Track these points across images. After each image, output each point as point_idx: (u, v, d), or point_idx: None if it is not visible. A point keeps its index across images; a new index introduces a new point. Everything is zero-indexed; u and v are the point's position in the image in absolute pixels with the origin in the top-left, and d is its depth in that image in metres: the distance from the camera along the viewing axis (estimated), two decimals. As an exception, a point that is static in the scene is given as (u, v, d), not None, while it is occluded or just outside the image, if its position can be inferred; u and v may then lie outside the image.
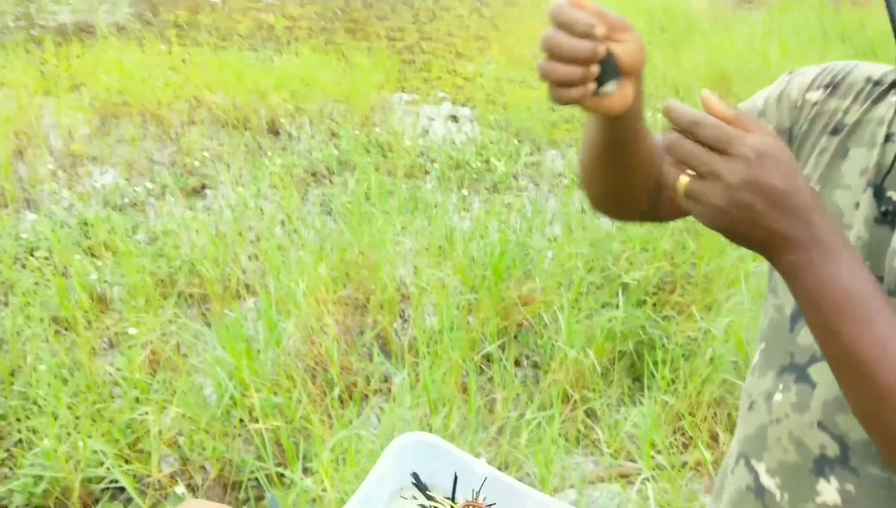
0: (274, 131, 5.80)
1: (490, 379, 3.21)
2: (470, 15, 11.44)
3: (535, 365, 3.36)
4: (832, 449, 0.88)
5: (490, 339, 3.27)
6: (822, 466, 0.90)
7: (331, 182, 5.02)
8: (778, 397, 0.95)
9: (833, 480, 0.89)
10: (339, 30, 9.46)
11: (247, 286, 3.82)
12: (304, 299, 3.43)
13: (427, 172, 5.40)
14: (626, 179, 1.03)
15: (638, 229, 4.14)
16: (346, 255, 3.84)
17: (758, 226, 0.72)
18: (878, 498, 0.86)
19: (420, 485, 1.43)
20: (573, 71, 0.78)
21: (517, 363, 3.38)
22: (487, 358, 3.29)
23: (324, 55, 7.64)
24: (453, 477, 1.40)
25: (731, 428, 3.04)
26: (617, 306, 3.48)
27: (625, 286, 3.71)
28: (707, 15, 10.66)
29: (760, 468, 0.98)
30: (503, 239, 3.76)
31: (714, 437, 3.01)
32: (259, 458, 2.78)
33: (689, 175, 0.74)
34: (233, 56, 7.25)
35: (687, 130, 0.72)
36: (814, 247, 0.72)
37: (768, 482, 0.97)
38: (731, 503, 1.04)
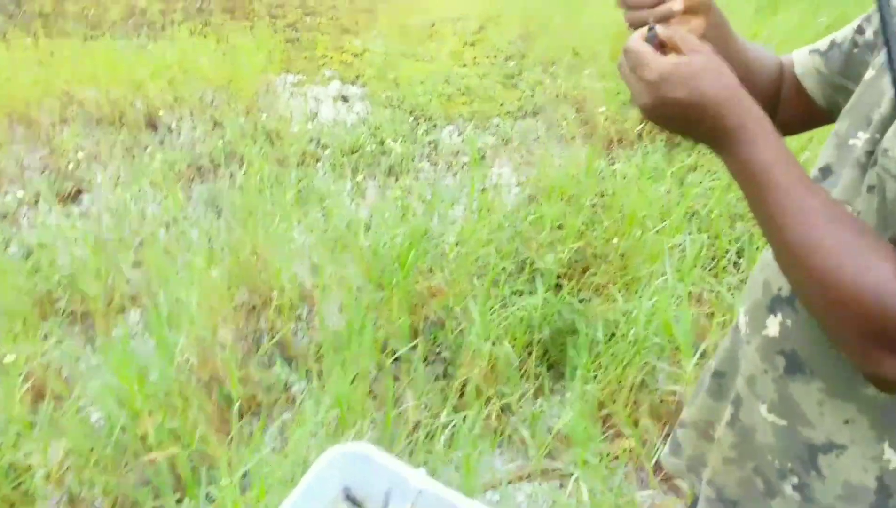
0: (153, 125, 5.44)
1: (401, 381, 3.06)
2: (354, -13, 11.12)
3: (448, 362, 3.23)
4: (785, 290, 1.04)
5: (401, 338, 3.11)
6: (774, 304, 1.06)
7: (217, 176, 4.73)
8: (765, 252, 1.12)
9: (779, 315, 1.05)
10: (216, 10, 9.03)
11: (132, 299, 3.55)
12: (197, 309, 3.20)
13: (319, 159, 5.17)
14: None
15: (548, 208, 4.04)
16: (240, 256, 3.60)
17: (681, 128, 0.91)
18: (810, 336, 1.00)
19: (353, 500, 1.35)
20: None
21: (429, 361, 3.24)
22: (398, 359, 3.14)
23: (202, 38, 7.26)
24: (385, 492, 1.32)
25: (655, 415, 2.98)
26: (532, 293, 3.37)
27: (539, 271, 3.61)
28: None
29: (741, 311, 1.16)
30: (411, 230, 3.58)
31: (636, 424, 2.95)
32: (156, 490, 2.56)
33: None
34: (104, 46, 6.78)
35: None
36: (732, 135, 0.87)
37: (741, 320, 1.15)
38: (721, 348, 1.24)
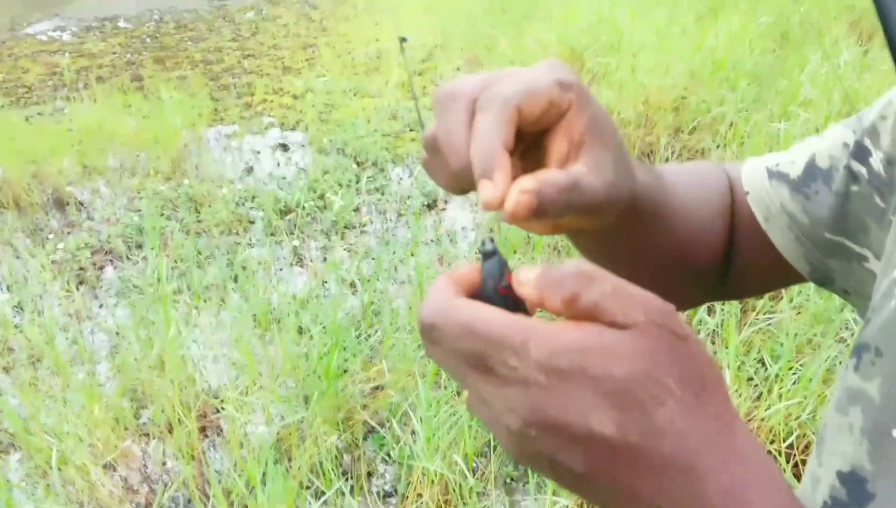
0: (60, 204, 4.82)
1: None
2: (297, 22, 10.54)
3: (391, 491, 2.61)
4: None
5: (324, 471, 2.49)
6: None
7: (131, 261, 4.12)
8: None
9: None
10: (147, 61, 8.42)
11: (12, 436, 2.94)
12: (81, 450, 2.59)
13: (252, 223, 4.57)
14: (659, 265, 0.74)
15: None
16: (141, 368, 3.00)
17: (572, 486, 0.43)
18: None
19: None
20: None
21: (370, 489, 2.62)
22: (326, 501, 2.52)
23: (124, 95, 6.65)
24: None
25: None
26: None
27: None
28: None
29: None
30: (334, 326, 2.94)
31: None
32: None
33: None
34: (2, 116, 6.14)
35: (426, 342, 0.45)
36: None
37: None
38: None
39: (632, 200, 0.59)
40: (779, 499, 0.43)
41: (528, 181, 0.47)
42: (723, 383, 0.43)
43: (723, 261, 0.79)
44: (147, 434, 2.85)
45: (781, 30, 6.70)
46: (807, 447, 2.60)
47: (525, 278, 0.43)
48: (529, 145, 0.55)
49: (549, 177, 0.48)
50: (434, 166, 0.54)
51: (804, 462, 2.56)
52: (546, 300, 0.42)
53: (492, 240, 0.46)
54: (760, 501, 0.41)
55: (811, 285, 0.82)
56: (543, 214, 0.48)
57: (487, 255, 0.46)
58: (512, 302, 0.44)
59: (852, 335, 3.02)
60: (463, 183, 0.51)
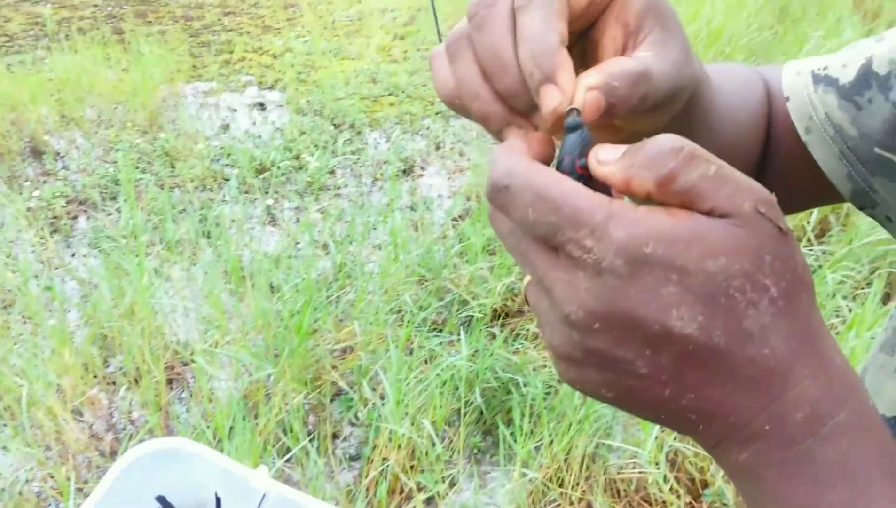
0: (38, 153, 4.79)
1: (297, 484, 2.48)
2: (280, -20, 10.43)
3: (357, 454, 2.66)
4: None
5: (293, 429, 2.53)
6: None
7: (104, 212, 4.11)
8: None
9: None
10: (128, 14, 8.31)
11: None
12: (49, 394, 2.62)
13: (226, 180, 4.57)
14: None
15: (480, 229, 3.49)
16: (111, 317, 3.02)
17: (640, 396, 0.37)
18: None
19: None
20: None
21: (335, 450, 2.68)
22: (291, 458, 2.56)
23: (104, 47, 6.58)
24: (215, 497, 0.97)
25: (612, 492, 2.46)
26: (458, 342, 2.83)
27: (469, 317, 3.07)
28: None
29: None
30: (307, 285, 2.98)
31: None
32: None
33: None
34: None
35: (492, 207, 0.39)
36: (773, 441, 0.36)
37: None
38: None
39: (693, 92, 0.51)
40: (864, 417, 0.38)
41: (593, 76, 0.40)
42: (814, 285, 0.38)
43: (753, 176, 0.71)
44: (115, 383, 2.89)
45: (781, 4, 6.62)
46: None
47: (606, 158, 0.38)
48: (574, 44, 0.46)
49: (616, 67, 0.41)
50: (473, 95, 0.44)
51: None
52: (634, 181, 0.36)
53: (578, 112, 0.40)
54: (846, 419, 0.37)
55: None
56: (612, 115, 0.41)
57: (572, 128, 0.40)
58: (590, 186, 0.38)
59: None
60: (517, 104, 0.43)
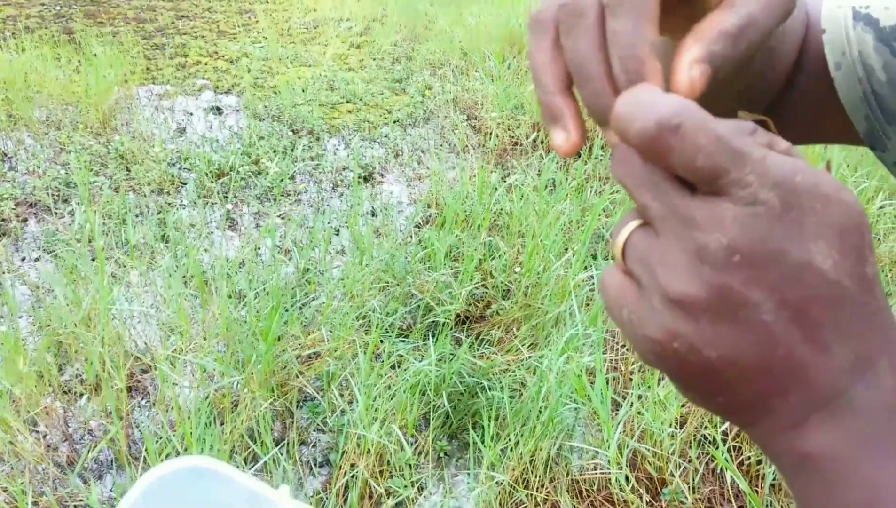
0: (-17, 154, 4.64)
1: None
2: (233, -15, 10.32)
3: (325, 461, 2.62)
4: None
5: (262, 439, 2.49)
6: None
7: (55, 215, 4.00)
8: None
9: None
10: (77, 15, 8.14)
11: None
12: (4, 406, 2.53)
13: (184, 184, 4.49)
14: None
15: (442, 235, 3.49)
16: (67, 323, 2.93)
17: (766, 356, 0.35)
18: None
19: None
20: None
21: (303, 458, 2.63)
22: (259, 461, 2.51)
23: (54, 47, 6.43)
24: None
25: (575, 491, 2.46)
26: (425, 348, 2.81)
27: (434, 322, 3.06)
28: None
29: None
30: (273, 289, 2.94)
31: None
32: None
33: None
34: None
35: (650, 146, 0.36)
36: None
37: None
38: None
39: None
40: None
41: (695, 50, 0.39)
42: None
43: (773, 100, 0.68)
44: (71, 391, 2.80)
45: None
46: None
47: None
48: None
49: (713, 30, 0.39)
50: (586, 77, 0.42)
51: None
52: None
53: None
54: (891, 369, 0.37)
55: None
56: (718, 77, 0.40)
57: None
58: None
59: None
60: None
